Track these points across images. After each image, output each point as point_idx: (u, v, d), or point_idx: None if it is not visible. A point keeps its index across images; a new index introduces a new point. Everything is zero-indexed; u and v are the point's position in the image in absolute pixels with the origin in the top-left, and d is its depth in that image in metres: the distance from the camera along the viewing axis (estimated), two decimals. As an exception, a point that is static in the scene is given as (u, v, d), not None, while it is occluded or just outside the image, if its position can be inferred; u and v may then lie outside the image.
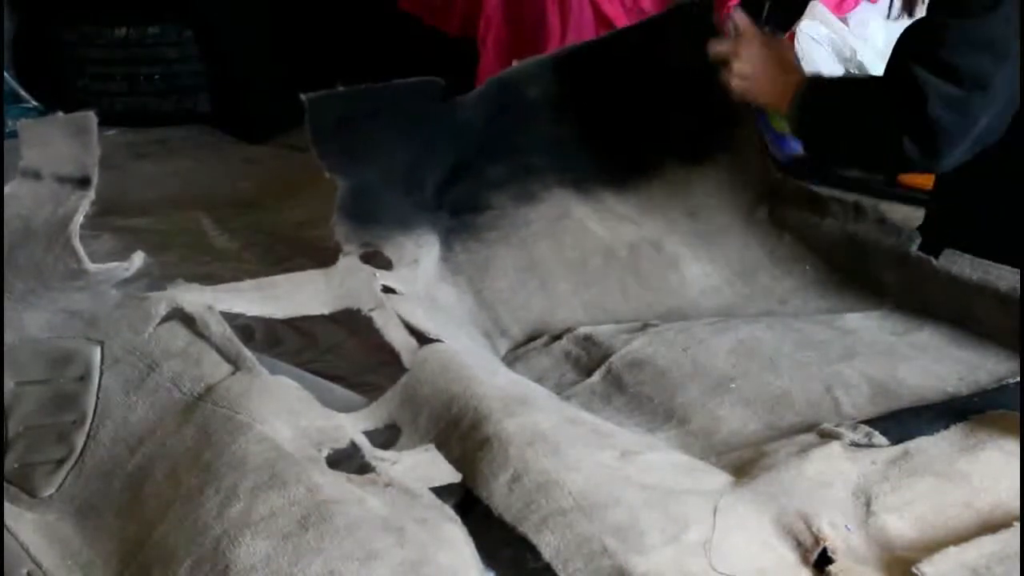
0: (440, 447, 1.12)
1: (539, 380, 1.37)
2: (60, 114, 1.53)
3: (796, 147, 1.51)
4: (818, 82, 1.44)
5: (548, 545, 0.96)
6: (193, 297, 1.24)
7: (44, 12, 2.89)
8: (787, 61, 1.46)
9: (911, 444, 1.13)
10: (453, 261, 1.55)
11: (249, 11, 2.69)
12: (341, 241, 1.43)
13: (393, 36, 2.62)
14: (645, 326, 1.47)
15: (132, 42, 2.80)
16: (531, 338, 1.51)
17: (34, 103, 2.82)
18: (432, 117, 1.55)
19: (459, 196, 1.58)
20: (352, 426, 1.14)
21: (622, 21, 2.18)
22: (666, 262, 1.63)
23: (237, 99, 2.80)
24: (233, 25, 2.73)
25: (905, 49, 1.29)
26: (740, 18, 1.48)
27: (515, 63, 1.68)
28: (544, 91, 1.63)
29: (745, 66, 1.44)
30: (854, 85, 1.45)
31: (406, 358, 1.26)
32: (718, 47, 1.48)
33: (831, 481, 1.07)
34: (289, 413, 1.09)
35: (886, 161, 1.36)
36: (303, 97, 1.45)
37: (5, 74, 2.75)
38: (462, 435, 1.11)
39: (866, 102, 1.34)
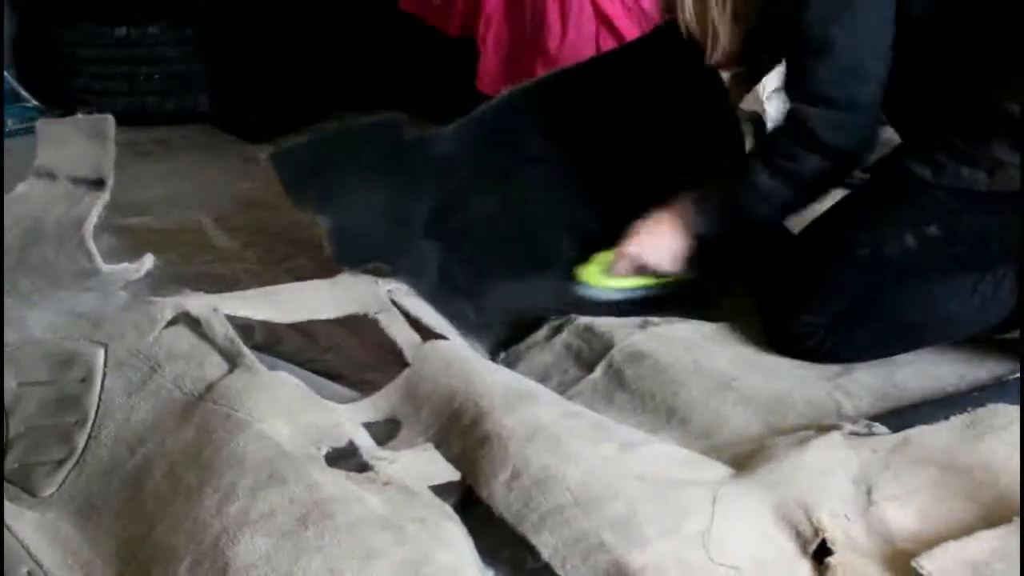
0: (441, 443, 1.12)
1: (542, 379, 1.37)
2: (79, 115, 1.54)
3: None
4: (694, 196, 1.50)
5: (546, 545, 0.96)
6: (199, 301, 1.25)
7: (44, 12, 2.89)
8: (657, 221, 1.51)
9: (912, 432, 1.13)
10: (450, 285, 1.54)
11: (249, 11, 2.69)
12: (338, 263, 1.44)
13: (393, 36, 2.63)
14: (645, 323, 1.47)
15: (132, 42, 2.80)
16: (527, 329, 1.52)
17: (34, 103, 2.82)
18: (407, 153, 1.55)
19: (452, 228, 1.57)
20: (353, 418, 1.14)
21: (622, 20, 2.18)
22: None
23: (237, 99, 2.79)
24: (233, 25, 2.72)
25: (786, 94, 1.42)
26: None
27: (504, 90, 1.69)
28: (532, 120, 1.64)
29: (650, 254, 1.50)
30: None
31: (409, 353, 1.26)
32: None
33: (832, 469, 1.07)
34: (288, 411, 1.09)
35: (795, 186, 1.41)
36: (262, 157, 1.46)
37: (5, 74, 2.75)
38: (463, 431, 1.12)
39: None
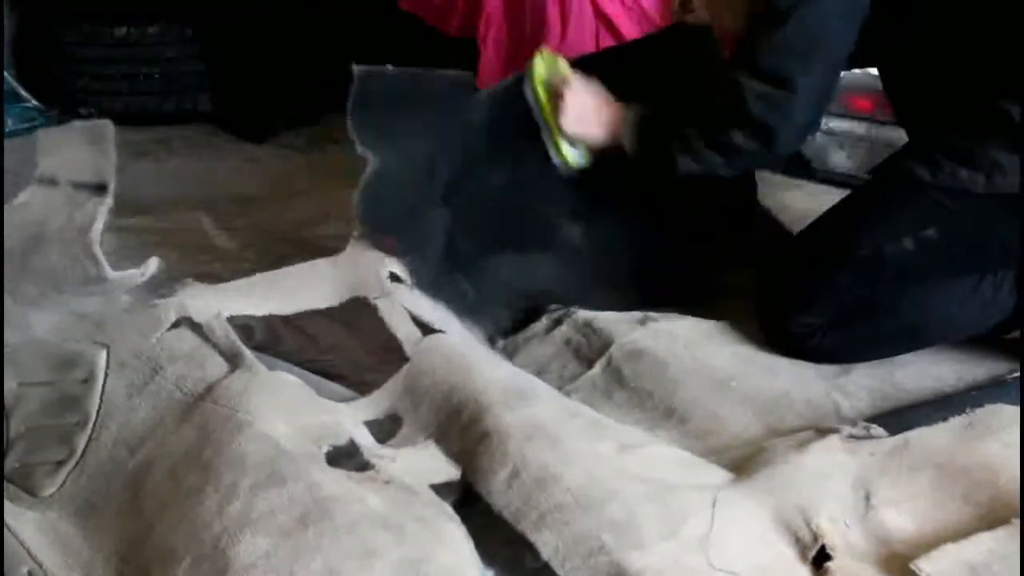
0: (440, 440, 1.12)
1: (540, 372, 1.37)
2: (77, 123, 1.54)
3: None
4: (647, 108, 1.53)
5: (546, 544, 0.96)
6: (202, 304, 1.25)
7: (44, 12, 2.89)
8: (605, 98, 1.55)
9: (910, 435, 1.13)
10: (454, 254, 1.55)
11: (249, 11, 2.69)
12: (358, 219, 1.44)
13: (393, 36, 2.62)
14: (645, 319, 1.47)
15: (132, 41, 2.79)
16: (528, 316, 1.52)
17: (34, 103, 2.81)
18: (448, 113, 1.56)
19: (463, 196, 1.58)
20: (353, 415, 1.14)
21: (622, 19, 2.18)
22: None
23: (237, 99, 2.79)
24: (233, 25, 2.72)
25: (732, 59, 1.44)
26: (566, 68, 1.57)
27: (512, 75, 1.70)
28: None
29: (573, 107, 1.53)
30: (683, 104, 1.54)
31: (408, 348, 1.27)
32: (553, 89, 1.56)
33: (830, 473, 1.07)
34: (288, 410, 1.09)
35: (725, 154, 1.43)
36: (355, 68, 1.46)
37: (5, 74, 2.74)
38: (462, 428, 1.12)
39: (698, 109, 1.46)
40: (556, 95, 1.54)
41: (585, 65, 1.71)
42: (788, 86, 1.35)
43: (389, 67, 1.51)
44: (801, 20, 1.33)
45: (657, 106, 1.51)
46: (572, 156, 1.56)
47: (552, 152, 1.57)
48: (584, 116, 1.53)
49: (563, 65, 1.58)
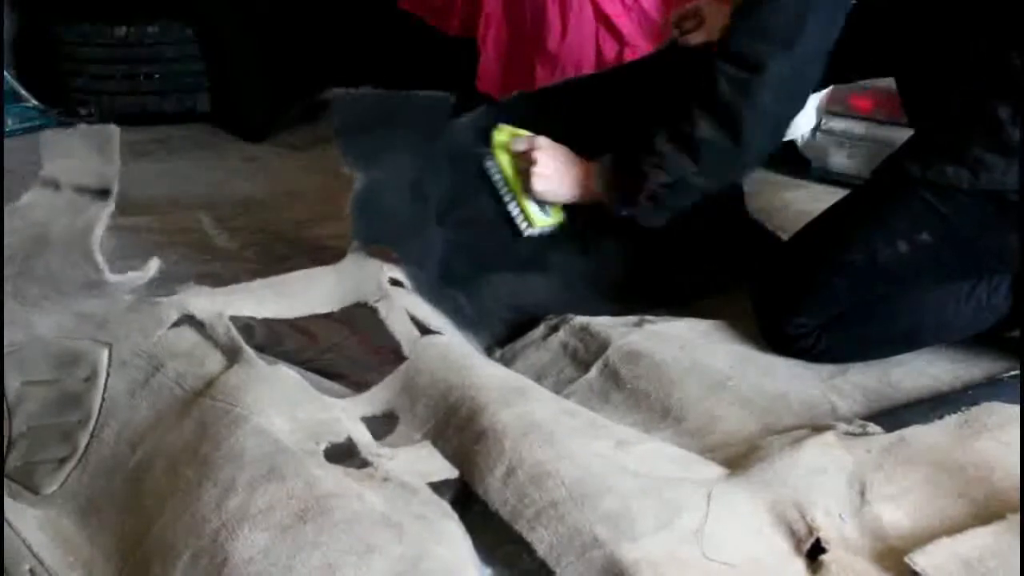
0: (437, 438, 1.13)
1: (538, 378, 1.38)
2: (83, 126, 1.55)
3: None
4: (615, 155, 1.52)
5: (541, 541, 0.97)
6: (204, 303, 1.25)
7: (44, 12, 2.90)
8: (574, 157, 1.55)
9: (906, 431, 1.14)
10: (450, 275, 1.55)
11: (249, 10, 2.70)
12: (353, 234, 1.44)
13: (393, 36, 2.63)
14: (642, 321, 1.47)
15: (132, 41, 2.80)
16: (524, 327, 1.52)
17: (34, 103, 2.82)
18: (435, 134, 1.56)
19: (456, 219, 1.59)
20: (351, 412, 1.15)
21: (622, 20, 2.18)
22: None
23: (237, 99, 2.80)
24: (233, 24, 2.73)
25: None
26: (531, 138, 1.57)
27: (503, 97, 1.70)
28: (538, 124, 1.65)
29: (544, 167, 1.53)
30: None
31: (406, 347, 1.27)
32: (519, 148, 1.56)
33: (825, 468, 1.08)
34: (287, 406, 1.10)
35: (692, 153, 1.41)
36: (330, 94, 1.46)
37: (5, 74, 2.75)
38: (459, 426, 1.12)
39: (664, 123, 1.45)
40: (522, 157, 1.55)
41: (582, 88, 1.72)
42: (758, 70, 1.34)
43: (367, 88, 1.51)
44: (780, 5, 1.33)
45: (627, 148, 1.49)
46: (539, 218, 1.57)
47: (517, 216, 1.58)
48: (556, 174, 1.53)
49: (523, 132, 1.58)
